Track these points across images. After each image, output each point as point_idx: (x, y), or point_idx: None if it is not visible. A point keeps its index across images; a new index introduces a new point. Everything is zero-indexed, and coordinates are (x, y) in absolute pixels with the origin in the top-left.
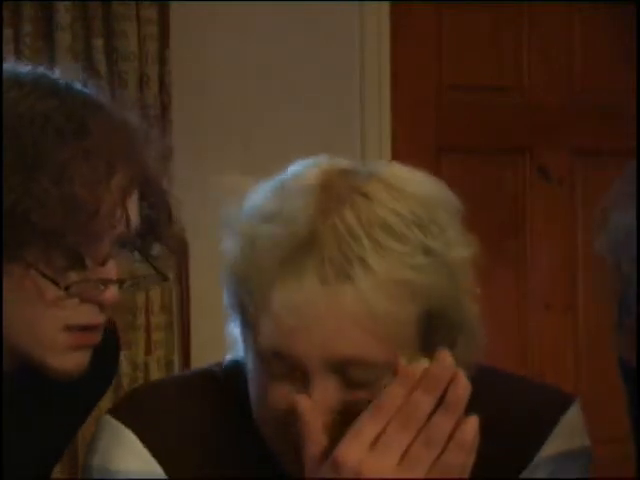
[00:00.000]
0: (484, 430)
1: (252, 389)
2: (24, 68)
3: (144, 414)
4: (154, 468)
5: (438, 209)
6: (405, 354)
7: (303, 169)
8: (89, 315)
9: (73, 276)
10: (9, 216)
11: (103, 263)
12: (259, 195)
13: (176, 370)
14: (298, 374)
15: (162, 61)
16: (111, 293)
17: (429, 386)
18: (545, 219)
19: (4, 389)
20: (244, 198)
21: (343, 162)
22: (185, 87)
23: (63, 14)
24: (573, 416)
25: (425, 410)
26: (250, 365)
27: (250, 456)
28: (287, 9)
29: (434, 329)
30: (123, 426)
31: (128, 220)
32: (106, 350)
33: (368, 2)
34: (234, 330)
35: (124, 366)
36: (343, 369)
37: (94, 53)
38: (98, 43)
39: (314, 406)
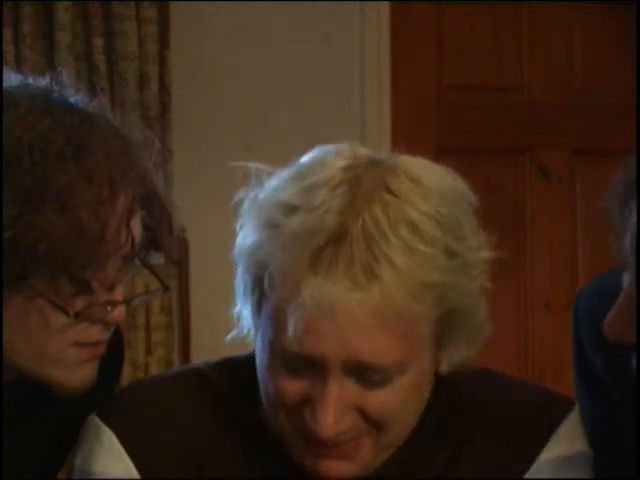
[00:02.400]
0: (485, 434)
1: (264, 378)
2: (18, 82)
3: (127, 414)
4: (130, 470)
5: (458, 206)
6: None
7: (325, 158)
8: (96, 334)
9: (79, 301)
10: (14, 248)
11: (111, 288)
12: (280, 184)
13: None
14: (316, 370)
15: (162, 61)
16: (119, 312)
17: None
18: (545, 219)
19: (3, 400)
20: (261, 184)
21: (363, 151)
22: (185, 87)
23: (63, 14)
24: (573, 421)
25: None
26: (264, 355)
27: (236, 458)
28: (287, 9)
29: (450, 329)
30: (105, 426)
31: (133, 240)
32: (109, 359)
33: (368, 2)
34: (243, 311)
35: (124, 366)
36: (361, 372)
37: (94, 53)
38: (98, 43)
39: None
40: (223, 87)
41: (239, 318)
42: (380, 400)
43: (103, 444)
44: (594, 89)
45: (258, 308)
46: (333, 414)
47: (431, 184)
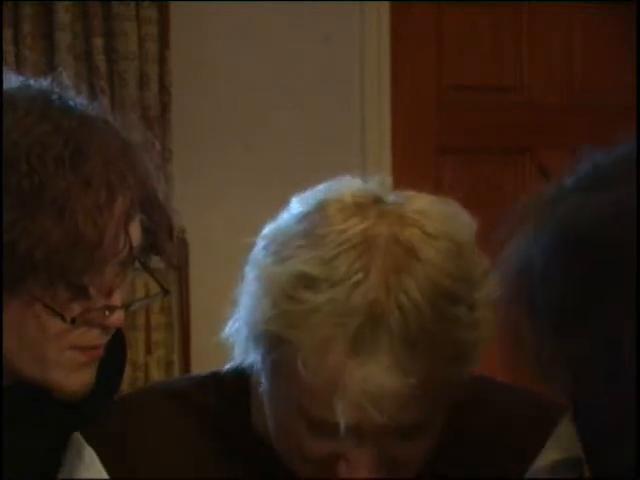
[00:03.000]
0: (481, 440)
1: (283, 433)
2: (18, 84)
3: (110, 434)
4: None
5: (469, 246)
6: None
7: (328, 212)
8: (95, 338)
9: (76, 307)
10: (11, 253)
11: (109, 294)
12: (289, 251)
13: (176, 370)
14: (353, 434)
15: (162, 61)
16: (117, 317)
17: None
18: None
19: (4, 402)
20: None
21: (360, 191)
22: (185, 87)
23: (63, 14)
24: (567, 424)
25: None
26: (289, 416)
27: (227, 470)
28: (287, 9)
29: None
30: (87, 445)
31: (131, 245)
32: (111, 362)
33: (368, 2)
34: (247, 354)
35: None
36: (393, 432)
37: (94, 53)
38: (98, 43)
39: None
40: (223, 87)
41: (233, 345)
42: (412, 450)
43: (84, 462)
44: (594, 89)
45: (272, 365)
46: (370, 471)
47: (441, 230)
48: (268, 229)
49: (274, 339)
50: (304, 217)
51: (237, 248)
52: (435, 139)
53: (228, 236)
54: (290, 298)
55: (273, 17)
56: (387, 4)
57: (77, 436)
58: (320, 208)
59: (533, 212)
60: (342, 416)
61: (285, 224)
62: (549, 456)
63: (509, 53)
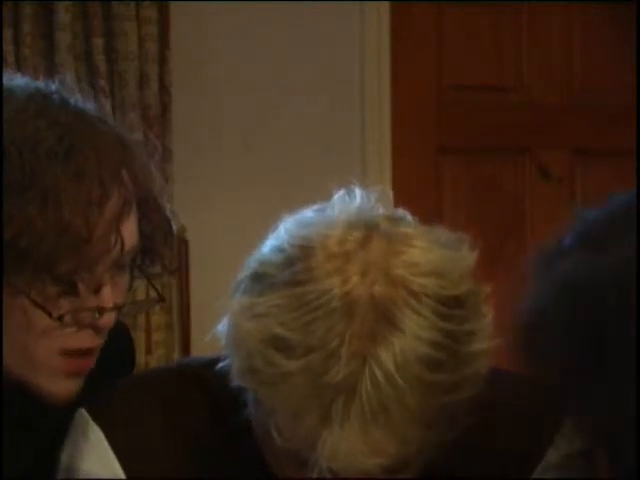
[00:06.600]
0: (489, 433)
1: (267, 454)
2: (19, 82)
3: (116, 411)
4: (115, 470)
5: (458, 300)
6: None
7: (315, 256)
8: (84, 339)
9: (65, 304)
10: None
11: (97, 290)
12: (268, 295)
13: None
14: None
15: (162, 61)
16: (107, 319)
17: None
18: (545, 219)
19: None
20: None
21: (353, 224)
22: (185, 87)
23: (63, 14)
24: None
25: None
26: (270, 444)
27: (224, 463)
28: (287, 9)
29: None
30: (94, 423)
31: (123, 244)
32: (119, 364)
33: (368, 2)
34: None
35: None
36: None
37: (94, 53)
38: (98, 43)
39: None
40: (223, 87)
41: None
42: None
43: (90, 442)
44: (594, 89)
45: (252, 402)
46: None
47: (428, 288)
48: (253, 262)
49: (249, 390)
50: (288, 264)
51: (237, 248)
52: (435, 139)
53: (228, 236)
54: (263, 357)
55: (273, 17)
56: (387, 4)
57: (83, 414)
58: (305, 256)
59: (535, 270)
60: (314, 474)
61: (269, 264)
62: (560, 450)
63: (509, 53)
